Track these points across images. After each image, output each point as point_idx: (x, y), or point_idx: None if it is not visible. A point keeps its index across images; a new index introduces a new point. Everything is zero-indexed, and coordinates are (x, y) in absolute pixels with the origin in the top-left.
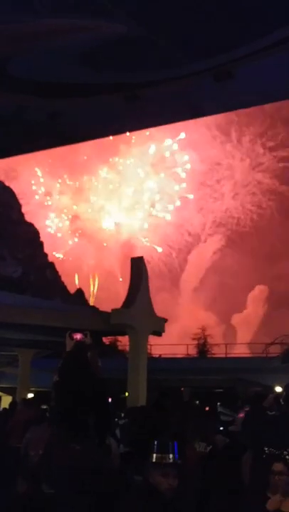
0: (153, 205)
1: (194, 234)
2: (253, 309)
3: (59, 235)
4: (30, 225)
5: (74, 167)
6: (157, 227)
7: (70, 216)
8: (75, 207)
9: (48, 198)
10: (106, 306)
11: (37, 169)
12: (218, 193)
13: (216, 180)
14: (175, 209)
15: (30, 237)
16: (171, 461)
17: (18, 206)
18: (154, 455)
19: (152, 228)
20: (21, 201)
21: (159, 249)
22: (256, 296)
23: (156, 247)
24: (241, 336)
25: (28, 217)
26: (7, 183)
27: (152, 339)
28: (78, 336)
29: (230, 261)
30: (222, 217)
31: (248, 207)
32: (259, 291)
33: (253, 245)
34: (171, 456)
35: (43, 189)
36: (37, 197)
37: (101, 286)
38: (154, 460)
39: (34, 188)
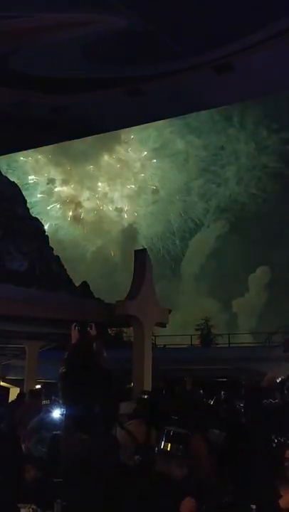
0: (155, 192)
1: (197, 220)
2: (255, 293)
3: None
4: (36, 220)
5: (75, 155)
6: (159, 213)
7: (73, 205)
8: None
9: (51, 185)
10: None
11: (39, 158)
12: (221, 178)
13: (220, 165)
14: (178, 195)
15: (36, 231)
16: (180, 449)
17: (23, 201)
18: (163, 443)
19: (154, 215)
20: (24, 192)
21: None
22: (258, 279)
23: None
24: (244, 321)
25: (32, 210)
26: (9, 175)
27: (156, 329)
28: (83, 328)
29: (233, 246)
30: (226, 202)
31: (253, 191)
32: (261, 274)
33: (257, 230)
34: (180, 445)
35: (45, 179)
36: (40, 187)
37: (103, 275)
38: (162, 448)
39: (37, 178)
